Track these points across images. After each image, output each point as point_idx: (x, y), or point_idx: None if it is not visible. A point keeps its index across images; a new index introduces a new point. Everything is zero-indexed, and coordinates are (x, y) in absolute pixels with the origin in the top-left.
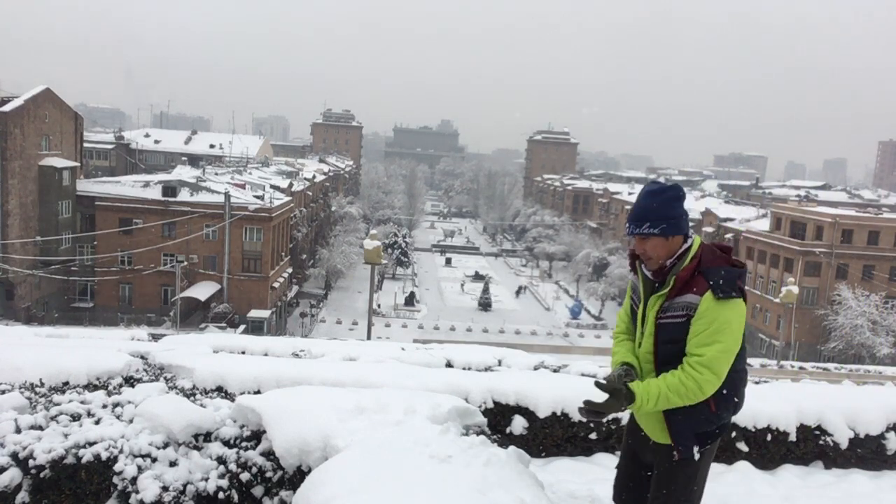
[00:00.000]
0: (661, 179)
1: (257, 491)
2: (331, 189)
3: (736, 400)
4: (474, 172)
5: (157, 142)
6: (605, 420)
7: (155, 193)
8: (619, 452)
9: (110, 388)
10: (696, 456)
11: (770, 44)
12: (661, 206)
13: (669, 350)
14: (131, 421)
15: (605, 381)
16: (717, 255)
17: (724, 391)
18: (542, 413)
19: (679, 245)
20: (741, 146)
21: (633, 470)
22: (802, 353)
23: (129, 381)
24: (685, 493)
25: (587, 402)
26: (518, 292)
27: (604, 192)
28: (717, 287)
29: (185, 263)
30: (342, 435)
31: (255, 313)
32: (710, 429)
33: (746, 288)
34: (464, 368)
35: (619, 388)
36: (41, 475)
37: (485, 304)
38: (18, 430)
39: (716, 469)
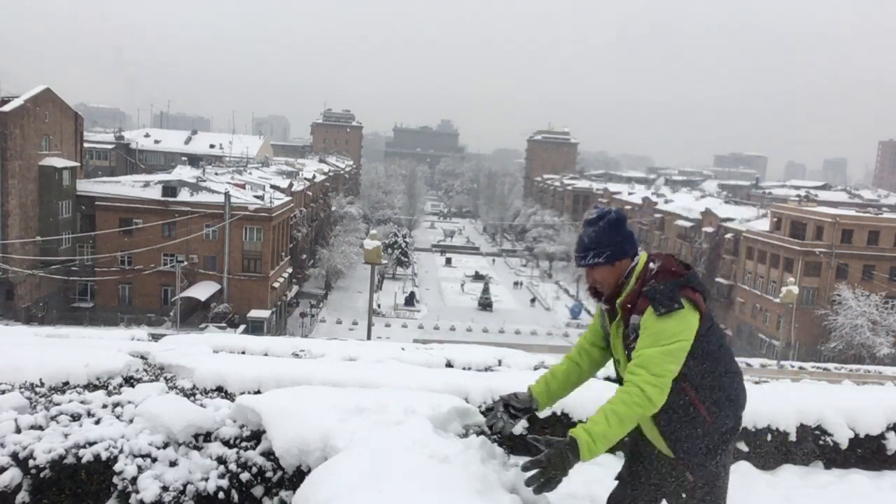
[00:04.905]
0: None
1: (257, 491)
2: (331, 189)
3: (731, 402)
4: (474, 172)
5: (157, 142)
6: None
7: (155, 193)
8: (619, 453)
9: (110, 388)
10: (714, 469)
11: (770, 44)
12: (600, 234)
13: None
14: (131, 421)
15: (540, 438)
16: (659, 269)
17: (713, 398)
18: (543, 413)
19: (626, 267)
20: (741, 146)
21: (634, 482)
22: (802, 353)
23: (129, 381)
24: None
25: (530, 475)
26: (533, 300)
27: (604, 192)
28: (656, 304)
29: (185, 263)
30: (342, 435)
31: (255, 313)
32: (715, 439)
33: (745, 286)
34: (464, 368)
35: (551, 440)
36: (41, 475)
37: (485, 304)
38: (18, 430)
39: None
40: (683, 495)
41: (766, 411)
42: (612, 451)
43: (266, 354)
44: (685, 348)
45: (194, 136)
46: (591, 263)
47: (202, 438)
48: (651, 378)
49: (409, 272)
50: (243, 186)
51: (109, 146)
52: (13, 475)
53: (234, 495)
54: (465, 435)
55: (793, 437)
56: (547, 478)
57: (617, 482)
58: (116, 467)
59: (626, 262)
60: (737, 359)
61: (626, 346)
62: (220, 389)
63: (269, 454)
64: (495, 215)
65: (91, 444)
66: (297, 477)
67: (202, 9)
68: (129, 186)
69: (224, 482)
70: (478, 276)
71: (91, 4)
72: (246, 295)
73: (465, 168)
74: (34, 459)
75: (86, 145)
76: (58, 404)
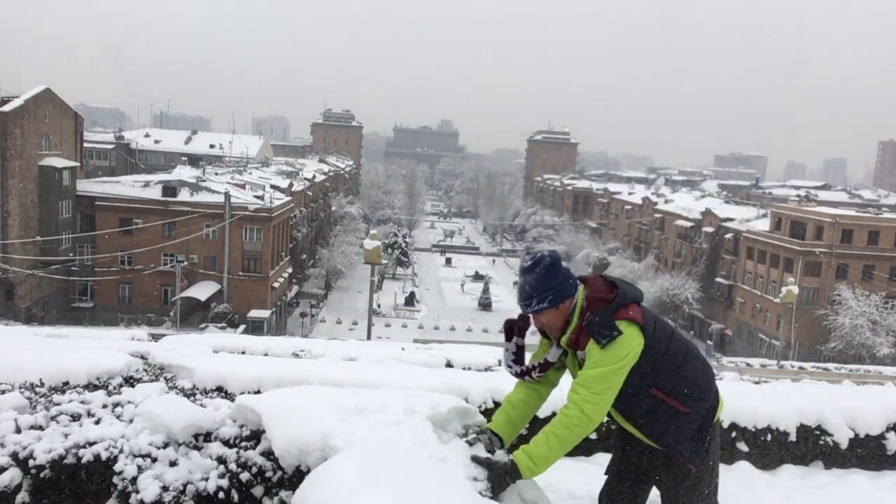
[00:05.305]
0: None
1: (257, 491)
2: (331, 189)
3: (699, 387)
4: (474, 172)
5: (157, 142)
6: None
7: (155, 193)
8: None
9: (110, 388)
10: (705, 450)
11: (770, 44)
12: (539, 280)
13: (618, 401)
14: (131, 421)
15: (482, 459)
16: (590, 301)
17: (682, 390)
18: (543, 413)
19: (570, 306)
20: (741, 146)
21: (626, 475)
22: (802, 353)
23: (129, 381)
24: (704, 490)
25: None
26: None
27: (604, 192)
28: (597, 336)
29: (185, 263)
30: (341, 435)
31: (255, 313)
32: (698, 424)
33: (745, 286)
34: (464, 368)
35: (494, 462)
36: (41, 475)
37: (485, 304)
38: (18, 430)
39: None
40: (678, 485)
41: (766, 411)
42: (612, 451)
43: (266, 354)
44: (628, 365)
45: (194, 136)
46: (536, 310)
47: (202, 438)
48: (591, 396)
49: (409, 272)
50: (243, 186)
51: (109, 146)
52: (13, 475)
53: (234, 495)
54: (465, 435)
55: (793, 437)
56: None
57: (606, 476)
58: (116, 467)
59: (569, 302)
60: (736, 359)
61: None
62: (220, 389)
63: (268, 454)
64: (495, 215)
65: (91, 444)
66: (297, 477)
67: (202, 9)
68: (129, 186)
69: (224, 482)
70: (478, 276)
71: (91, 4)
72: (246, 295)
73: (465, 168)
74: (34, 459)
75: (86, 145)
76: (58, 404)
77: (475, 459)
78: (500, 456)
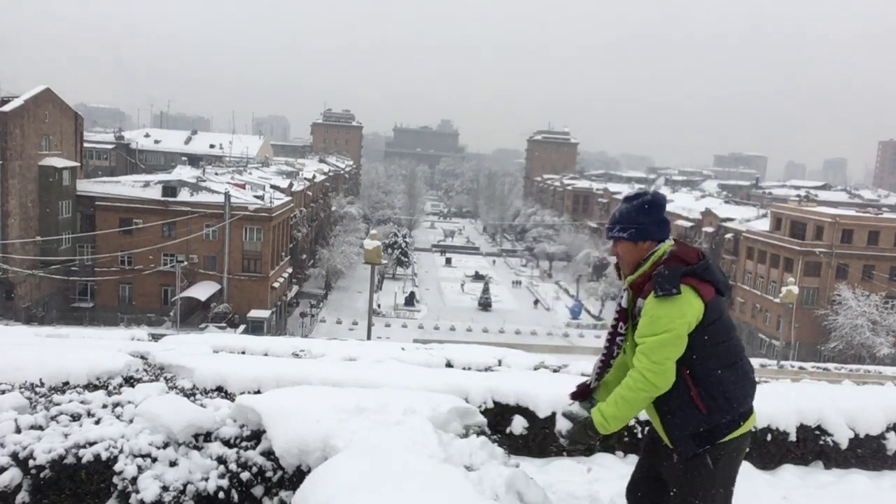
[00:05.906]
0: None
1: (257, 491)
2: (331, 189)
3: (727, 398)
4: (474, 172)
5: (157, 142)
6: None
7: (155, 193)
8: (619, 453)
9: (110, 388)
10: (710, 462)
11: (770, 44)
12: (631, 212)
13: None
14: (131, 421)
15: (568, 412)
16: (670, 255)
17: (709, 389)
18: (542, 413)
19: (649, 250)
20: (741, 146)
21: (648, 473)
22: (802, 353)
23: (129, 381)
24: (703, 500)
25: (561, 434)
26: (536, 302)
27: (604, 192)
28: (656, 287)
29: (185, 263)
30: (342, 435)
31: (255, 313)
32: (706, 429)
33: (745, 286)
34: (464, 368)
35: (577, 416)
36: (41, 475)
37: (485, 304)
38: (18, 430)
39: None
40: (672, 482)
41: (766, 411)
42: (612, 451)
43: (266, 354)
44: (682, 335)
45: (194, 136)
46: (614, 236)
47: (202, 438)
48: (651, 365)
49: (409, 272)
50: (243, 186)
51: (109, 146)
52: (13, 475)
53: (234, 495)
54: (466, 435)
55: (793, 437)
56: (574, 446)
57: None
58: (116, 467)
59: (649, 245)
60: None
61: (633, 325)
62: (220, 389)
63: (269, 454)
64: (495, 215)
65: (91, 444)
66: (297, 477)
67: (202, 9)
68: (129, 186)
69: (224, 482)
70: (478, 276)
71: (91, 4)
72: (246, 295)
73: (465, 168)
74: (34, 459)
75: (86, 145)
76: (58, 404)
77: (564, 413)
78: (584, 412)
